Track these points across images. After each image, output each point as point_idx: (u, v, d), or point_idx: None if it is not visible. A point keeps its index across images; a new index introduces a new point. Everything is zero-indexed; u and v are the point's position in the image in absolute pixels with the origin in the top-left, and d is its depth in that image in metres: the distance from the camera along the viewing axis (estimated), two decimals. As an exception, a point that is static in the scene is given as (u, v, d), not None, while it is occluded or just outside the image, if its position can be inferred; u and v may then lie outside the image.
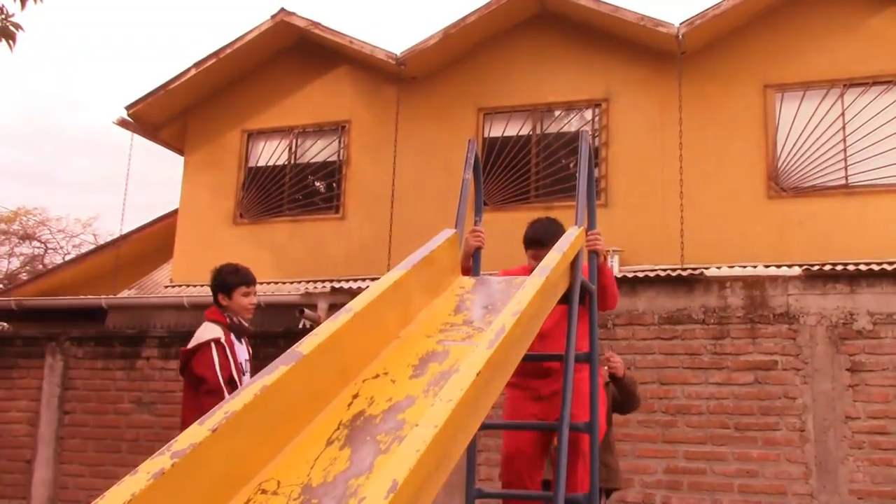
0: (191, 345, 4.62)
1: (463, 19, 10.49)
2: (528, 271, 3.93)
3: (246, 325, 4.80)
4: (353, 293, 7.45)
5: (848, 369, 6.61)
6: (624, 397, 4.63)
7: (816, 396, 6.61)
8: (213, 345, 4.54)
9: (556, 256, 3.00)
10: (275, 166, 11.53)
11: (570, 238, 3.25)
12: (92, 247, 20.69)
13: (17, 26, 6.98)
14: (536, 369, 4.03)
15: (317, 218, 11.27)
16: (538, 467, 4.09)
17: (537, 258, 3.88)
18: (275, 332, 8.09)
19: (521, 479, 4.01)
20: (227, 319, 4.69)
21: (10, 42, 6.95)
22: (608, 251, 3.87)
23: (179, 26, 51.36)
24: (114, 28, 50.43)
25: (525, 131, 10.57)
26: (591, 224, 3.66)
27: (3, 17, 6.95)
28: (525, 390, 4.10)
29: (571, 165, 10.15)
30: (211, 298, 4.86)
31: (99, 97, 46.17)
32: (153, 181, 32.15)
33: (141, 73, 45.81)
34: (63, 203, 41.34)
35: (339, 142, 11.34)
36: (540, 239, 4.09)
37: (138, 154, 19.63)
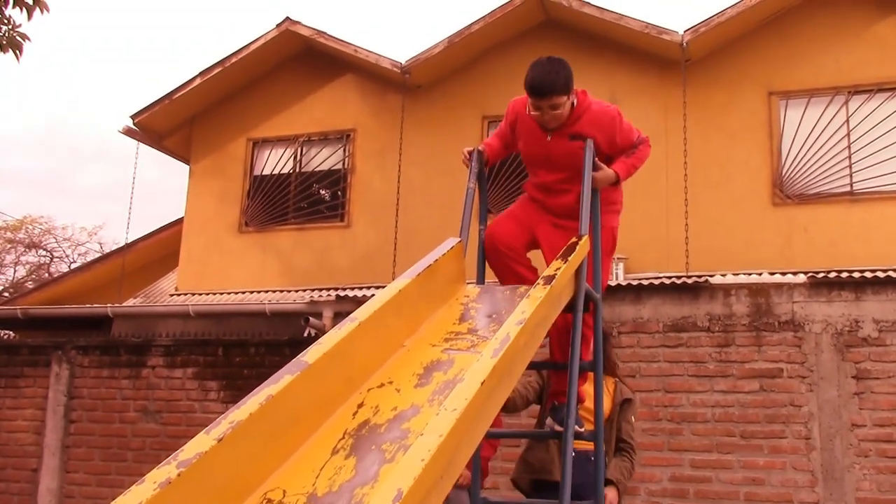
0: None
1: (467, 27, 10.51)
2: (534, 120, 3.71)
3: None
4: (358, 301, 7.45)
5: (854, 377, 6.59)
6: None
7: (822, 404, 6.59)
8: None
9: (560, 265, 3.01)
10: (280, 174, 11.56)
11: (575, 247, 3.26)
12: (98, 255, 20.77)
13: (25, 37, 6.99)
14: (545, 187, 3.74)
15: (322, 226, 11.29)
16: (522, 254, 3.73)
17: (538, 108, 3.62)
18: (280, 340, 8.09)
19: (508, 270, 3.66)
20: None
21: (17, 53, 6.97)
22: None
23: (180, 27, 51.66)
24: (114, 29, 50.70)
25: (529, 139, 10.57)
26: (594, 232, 3.62)
27: (10, 27, 6.96)
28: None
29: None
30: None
31: (104, 104, 46.34)
32: (159, 190, 32.25)
33: (144, 76, 46.02)
34: (69, 211, 41.46)
35: (345, 150, 11.37)
36: (538, 88, 3.59)
37: (145, 163, 19.68)
